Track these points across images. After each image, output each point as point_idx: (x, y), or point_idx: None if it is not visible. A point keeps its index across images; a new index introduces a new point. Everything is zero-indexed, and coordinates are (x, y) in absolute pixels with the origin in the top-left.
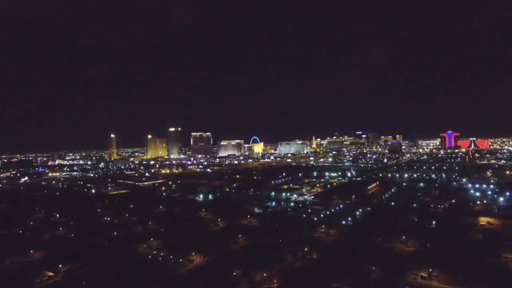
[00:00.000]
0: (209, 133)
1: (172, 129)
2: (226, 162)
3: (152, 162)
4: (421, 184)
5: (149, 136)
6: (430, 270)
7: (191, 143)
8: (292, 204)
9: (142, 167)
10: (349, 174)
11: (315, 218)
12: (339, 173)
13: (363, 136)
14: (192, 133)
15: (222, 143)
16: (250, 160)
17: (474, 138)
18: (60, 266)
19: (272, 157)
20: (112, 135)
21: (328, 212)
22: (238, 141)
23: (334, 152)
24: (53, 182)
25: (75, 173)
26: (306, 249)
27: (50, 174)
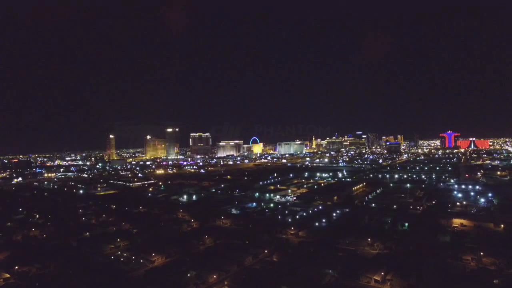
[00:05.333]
0: (208, 134)
1: (170, 130)
2: (222, 163)
3: (148, 163)
4: (409, 185)
5: (148, 137)
6: (383, 273)
7: (190, 144)
8: (272, 205)
9: (138, 168)
10: (340, 175)
11: (290, 220)
12: (331, 174)
13: (363, 136)
14: (191, 134)
15: (220, 143)
16: (247, 161)
17: (474, 138)
18: (17, 267)
19: (269, 158)
20: (111, 136)
21: (305, 214)
22: (236, 141)
23: (332, 153)
24: (46, 182)
25: (70, 173)
26: (265, 251)
27: (45, 175)
